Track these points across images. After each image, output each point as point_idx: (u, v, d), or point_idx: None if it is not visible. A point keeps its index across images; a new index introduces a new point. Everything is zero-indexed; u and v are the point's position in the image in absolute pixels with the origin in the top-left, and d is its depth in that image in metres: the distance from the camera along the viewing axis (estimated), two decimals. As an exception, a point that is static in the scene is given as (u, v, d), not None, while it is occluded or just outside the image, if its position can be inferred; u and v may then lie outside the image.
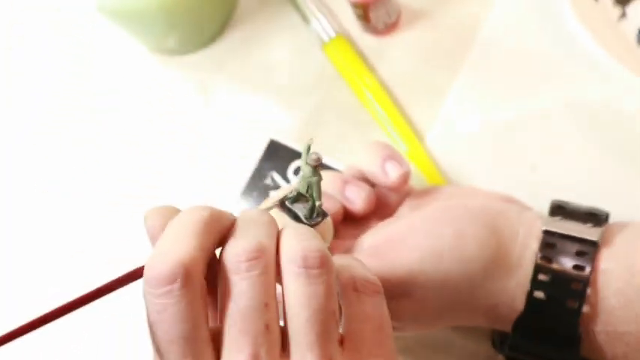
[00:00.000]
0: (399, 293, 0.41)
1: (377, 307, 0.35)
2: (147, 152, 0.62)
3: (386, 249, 0.42)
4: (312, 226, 0.41)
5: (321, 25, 0.60)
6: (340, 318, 0.35)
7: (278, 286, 0.34)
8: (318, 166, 0.41)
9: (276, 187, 0.57)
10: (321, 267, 0.33)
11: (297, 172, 0.57)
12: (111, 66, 0.65)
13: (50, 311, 0.33)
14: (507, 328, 0.42)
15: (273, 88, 0.61)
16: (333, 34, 0.60)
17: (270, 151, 0.58)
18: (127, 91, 0.64)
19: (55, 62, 0.67)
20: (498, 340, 0.46)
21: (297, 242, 0.34)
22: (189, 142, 0.61)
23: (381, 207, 0.48)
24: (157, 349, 0.32)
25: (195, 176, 0.60)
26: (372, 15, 0.56)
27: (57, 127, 0.65)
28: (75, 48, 0.67)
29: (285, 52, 0.62)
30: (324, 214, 0.42)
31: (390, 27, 0.59)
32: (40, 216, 0.63)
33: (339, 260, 0.36)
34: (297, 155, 0.57)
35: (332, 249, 0.45)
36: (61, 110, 0.66)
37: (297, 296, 0.32)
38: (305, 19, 0.61)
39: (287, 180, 0.57)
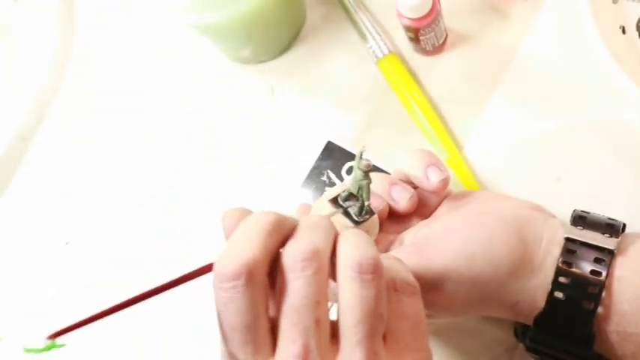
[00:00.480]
0: (433, 287, 0.40)
1: (414, 307, 0.34)
2: (219, 148, 0.62)
3: (424, 247, 0.42)
4: (360, 222, 0.41)
5: (377, 44, 0.59)
6: None
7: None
8: (369, 171, 0.40)
9: (331, 183, 0.56)
10: (374, 273, 0.32)
11: (349, 171, 0.56)
12: (194, 72, 0.65)
13: (127, 300, 0.33)
14: (528, 322, 0.41)
15: (332, 96, 0.61)
16: (386, 52, 0.59)
17: (327, 151, 0.57)
18: (205, 92, 0.64)
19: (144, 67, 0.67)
20: (520, 330, 0.45)
21: (354, 248, 0.33)
22: (256, 141, 0.61)
23: (422, 207, 0.47)
24: (223, 335, 0.32)
25: (260, 171, 0.60)
26: (421, 37, 0.55)
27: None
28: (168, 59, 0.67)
29: (344, 65, 0.61)
30: (371, 213, 0.41)
31: (437, 48, 0.58)
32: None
33: (383, 261, 0.35)
34: (350, 156, 0.56)
35: (376, 242, 0.44)
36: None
37: (351, 298, 0.32)
38: (363, 37, 0.60)
39: (341, 178, 0.56)
